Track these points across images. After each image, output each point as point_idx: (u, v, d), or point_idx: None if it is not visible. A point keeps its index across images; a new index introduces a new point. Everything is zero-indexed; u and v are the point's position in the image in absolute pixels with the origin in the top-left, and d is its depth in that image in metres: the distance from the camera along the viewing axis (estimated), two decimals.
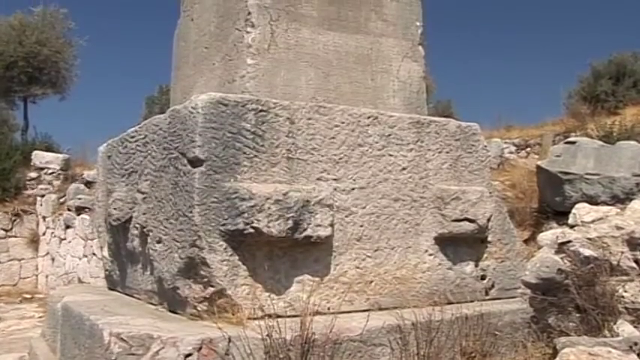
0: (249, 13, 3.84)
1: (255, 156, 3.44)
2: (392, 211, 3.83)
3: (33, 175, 13.90)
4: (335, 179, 3.65)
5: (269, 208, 3.32)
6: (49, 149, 15.10)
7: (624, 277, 3.49)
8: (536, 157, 10.88)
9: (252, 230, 3.29)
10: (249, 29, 3.84)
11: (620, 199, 6.71)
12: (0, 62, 16.97)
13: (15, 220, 13.45)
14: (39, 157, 14.07)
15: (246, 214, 3.28)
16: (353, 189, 3.71)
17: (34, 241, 13.33)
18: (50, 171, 13.83)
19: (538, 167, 7.76)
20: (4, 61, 16.95)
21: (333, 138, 3.67)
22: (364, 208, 3.74)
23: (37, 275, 13.27)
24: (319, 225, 3.48)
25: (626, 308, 3.39)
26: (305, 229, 3.44)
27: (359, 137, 3.75)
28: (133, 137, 4.19)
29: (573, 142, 7.78)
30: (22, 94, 17.98)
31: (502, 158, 10.50)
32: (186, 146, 3.39)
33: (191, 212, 3.32)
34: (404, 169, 3.90)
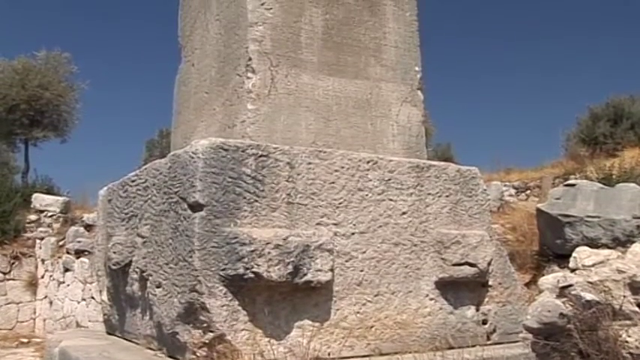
0: (250, 59, 3.89)
1: (256, 201, 3.44)
2: (392, 255, 3.82)
3: (33, 217, 13.87)
4: (335, 224, 3.65)
5: (269, 252, 3.31)
6: (49, 192, 15.11)
7: (627, 322, 3.47)
8: (536, 199, 10.89)
9: (252, 275, 3.28)
10: (249, 75, 3.89)
11: (622, 242, 6.70)
12: (2, 105, 17.10)
13: (14, 263, 13.38)
14: (39, 199, 14.06)
15: (246, 259, 3.27)
16: (353, 233, 3.70)
17: (32, 284, 13.24)
18: (50, 214, 13.81)
19: (538, 210, 7.76)
20: (7, 104, 17.09)
21: (333, 183, 3.68)
22: (364, 252, 3.73)
23: (34, 319, 13.14)
24: (319, 270, 3.47)
25: (630, 354, 3.36)
26: (305, 274, 3.43)
27: (359, 182, 3.77)
28: (133, 181, 4.20)
29: (573, 185, 7.80)
30: (24, 136, 18.09)
31: (502, 201, 10.51)
32: (187, 191, 3.39)
33: (191, 257, 3.31)
34: (404, 213, 3.90)
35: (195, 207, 3.34)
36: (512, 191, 12.27)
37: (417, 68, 4.42)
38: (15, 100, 17.05)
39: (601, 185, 7.87)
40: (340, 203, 3.69)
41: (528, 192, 12.45)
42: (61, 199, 14.28)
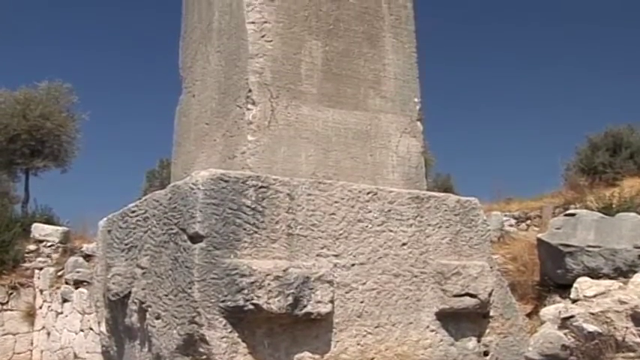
0: (250, 91, 3.92)
1: (256, 232, 3.45)
2: (393, 286, 3.81)
3: (32, 247, 13.86)
4: (335, 255, 3.65)
5: (269, 284, 3.30)
6: (48, 222, 15.12)
7: (631, 354, 3.45)
8: (537, 229, 10.89)
9: (252, 307, 3.27)
10: (249, 106, 3.91)
11: (623, 272, 6.68)
12: (3, 135, 17.20)
13: (12, 294, 13.33)
14: (38, 229, 14.06)
15: (246, 291, 3.27)
16: (353, 265, 3.69)
17: (30, 315, 13.18)
18: (49, 244, 13.80)
19: (539, 240, 7.76)
20: (8, 134, 17.19)
21: (333, 214, 3.69)
22: (365, 284, 3.72)
23: (31, 350, 13.04)
24: (319, 301, 3.46)
25: None
26: (305, 306, 3.41)
27: (359, 213, 3.77)
28: (133, 212, 4.21)
29: (573, 215, 7.81)
30: (24, 166, 18.16)
31: (502, 231, 10.51)
32: (187, 222, 3.40)
33: (190, 288, 3.30)
34: (404, 244, 3.90)
35: (195, 238, 3.34)
36: (513, 221, 12.27)
37: (416, 99, 4.45)
38: (16, 130, 17.15)
39: (601, 215, 7.88)
40: (340, 234, 3.69)
41: (529, 222, 12.45)
42: (60, 229, 14.29)
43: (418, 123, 4.44)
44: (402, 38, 4.46)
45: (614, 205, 9.39)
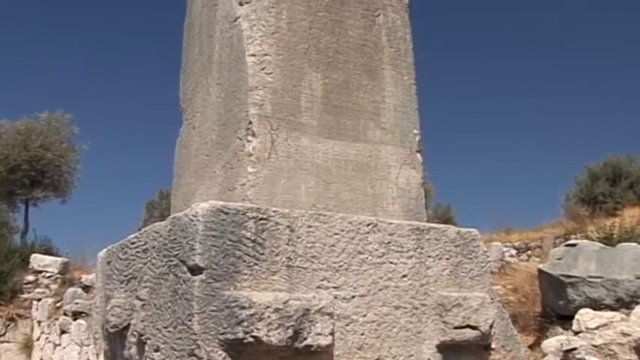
0: (250, 123, 3.94)
1: (256, 264, 3.44)
2: (393, 319, 3.79)
3: (30, 278, 13.80)
4: (335, 287, 3.63)
5: (269, 316, 3.29)
6: (48, 252, 15.08)
7: None
8: (538, 260, 10.86)
9: (251, 339, 3.25)
10: (250, 138, 3.93)
11: (625, 303, 6.64)
12: (4, 165, 17.24)
13: (9, 325, 13.24)
14: (37, 260, 14.01)
15: (245, 323, 3.25)
16: (353, 297, 3.68)
17: (27, 347, 13.06)
18: (48, 274, 13.74)
19: (539, 271, 7.73)
20: (8, 165, 17.23)
21: (333, 246, 3.68)
22: (365, 316, 3.70)
23: None
24: (319, 334, 3.44)
25: None
26: (305, 338, 3.39)
27: (359, 245, 3.77)
28: (133, 243, 4.20)
29: (574, 245, 7.79)
30: (24, 196, 18.17)
31: (503, 262, 10.49)
32: (187, 254, 3.40)
33: (190, 320, 3.29)
34: (404, 276, 3.88)
35: (195, 270, 3.34)
36: (513, 252, 12.25)
37: (415, 131, 4.47)
38: (17, 160, 17.20)
39: (602, 245, 7.86)
40: (340, 266, 3.68)
41: (529, 252, 12.43)
42: (59, 259, 14.24)
43: (418, 154, 4.46)
44: (401, 70, 4.50)
45: (615, 236, 9.38)
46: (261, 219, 3.50)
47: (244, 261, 3.42)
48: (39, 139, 17.35)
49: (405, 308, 3.84)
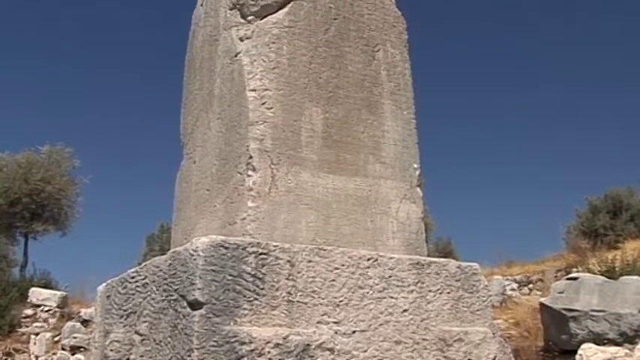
0: (251, 157, 3.96)
1: (256, 299, 3.42)
2: (394, 354, 3.75)
3: (29, 312, 13.69)
4: (335, 322, 3.61)
5: (269, 352, 3.27)
6: (47, 286, 14.98)
7: None
8: (539, 293, 10.81)
9: None
10: (250, 173, 3.94)
11: (629, 337, 6.58)
12: (4, 198, 17.20)
13: None
14: (36, 294, 13.93)
15: (246, 359, 3.23)
16: (354, 332, 3.65)
17: None
18: (47, 308, 13.65)
19: (541, 304, 7.69)
20: (9, 198, 17.20)
21: (334, 280, 3.67)
22: (366, 351, 3.66)
23: None
24: None
25: None
26: None
27: (359, 279, 3.75)
28: (132, 278, 4.19)
29: (575, 278, 7.76)
30: (24, 229, 18.09)
31: (504, 296, 10.43)
32: (187, 289, 3.38)
33: (190, 356, 3.26)
34: (405, 310, 3.86)
35: (195, 305, 3.32)
36: (515, 285, 12.18)
37: (415, 165, 4.48)
38: (17, 193, 17.17)
39: (604, 278, 7.83)
40: (341, 301, 3.66)
41: (531, 286, 12.36)
42: (58, 293, 14.15)
43: (418, 189, 4.47)
44: (401, 105, 4.53)
45: (617, 269, 9.34)
46: (261, 254, 3.50)
47: (244, 296, 3.40)
48: (40, 173, 17.34)
49: (405, 343, 3.81)
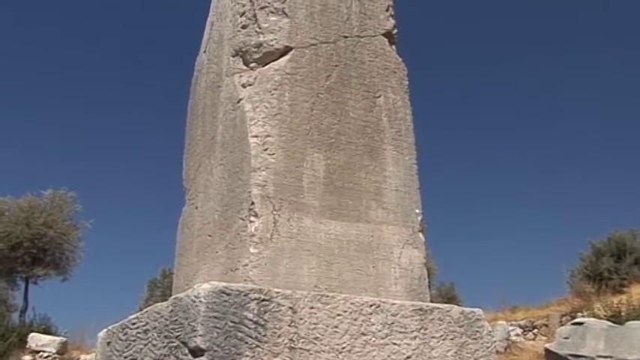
0: (253, 203, 3.97)
1: (258, 346, 3.39)
2: None
3: (28, 358, 13.57)
4: None
5: None
6: (46, 331, 14.87)
7: None
8: (544, 338, 10.68)
9: None
10: (252, 219, 3.95)
11: None
12: (6, 243, 17.20)
13: None
14: (35, 339, 13.82)
15: None
16: None
17: None
18: (46, 354, 13.52)
19: (547, 350, 7.61)
20: (10, 242, 17.20)
21: (336, 327, 3.64)
22: None
23: None
24: None
25: None
26: None
27: (362, 326, 3.72)
28: (133, 324, 4.16)
29: (581, 323, 7.69)
30: (25, 274, 18.05)
31: (509, 341, 10.31)
32: (188, 335, 3.36)
33: None
34: (408, 357, 3.82)
35: (197, 352, 3.30)
36: (519, 330, 12.05)
37: (417, 210, 4.48)
38: (19, 237, 17.18)
39: (610, 323, 7.76)
40: (343, 348, 3.63)
41: (535, 331, 12.22)
42: (57, 339, 14.04)
43: (420, 234, 4.46)
44: (402, 150, 4.56)
45: (622, 313, 9.26)
46: (263, 300, 3.48)
47: (246, 342, 3.37)
48: (42, 217, 17.39)
49: None
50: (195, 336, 3.31)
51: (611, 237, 15.94)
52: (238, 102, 4.31)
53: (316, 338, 3.57)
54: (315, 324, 3.58)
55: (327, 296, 3.70)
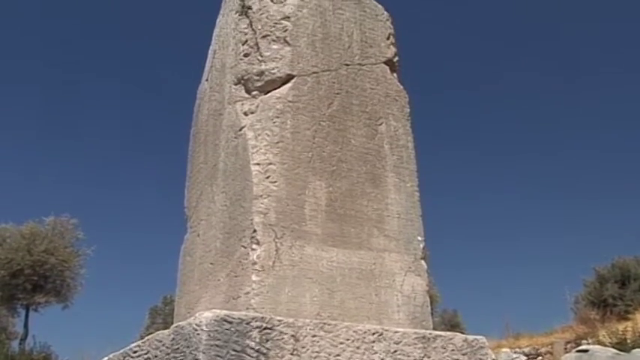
0: (255, 231, 3.96)
1: None
2: None
3: None
4: None
5: None
6: (46, 359, 14.76)
7: None
8: None
9: None
10: (254, 246, 3.94)
11: None
12: (7, 270, 17.15)
13: None
14: None
15: None
16: None
17: None
18: None
19: None
20: (11, 269, 17.15)
21: (339, 355, 3.61)
22: None
23: None
24: None
25: None
26: None
27: (365, 354, 3.69)
28: (135, 352, 4.13)
29: (586, 351, 7.63)
30: (25, 301, 17.95)
31: None
32: None
33: None
34: None
35: None
36: (523, 358, 11.94)
37: (419, 238, 4.47)
38: (20, 264, 17.13)
39: (616, 351, 7.70)
40: None
41: (540, 358, 12.12)
42: None
43: (422, 261, 4.45)
44: (404, 177, 4.56)
45: (628, 341, 9.18)
46: (265, 328, 3.46)
47: None
48: (43, 244, 17.35)
49: None
50: None
51: (615, 263, 15.85)
52: (240, 130, 4.33)
53: None
54: (317, 352, 3.55)
55: (330, 324, 3.67)
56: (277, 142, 4.20)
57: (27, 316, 18.14)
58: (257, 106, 4.34)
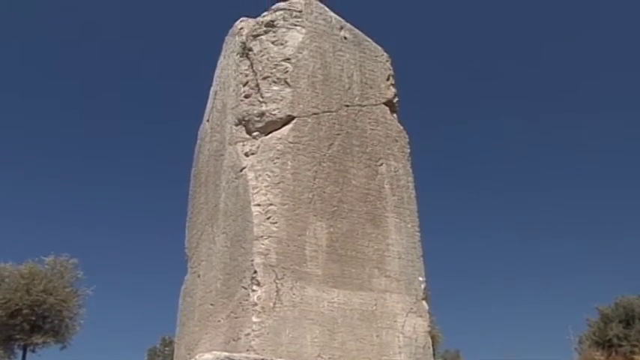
0: (255, 272, 3.94)
1: None
2: None
3: None
4: None
5: None
6: None
7: None
8: None
9: None
10: (254, 287, 3.92)
11: None
12: (4, 310, 16.95)
13: None
14: None
15: None
16: None
17: None
18: None
19: None
20: (9, 309, 16.94)
21: None
22: None
23: None
24: None
25: None
26: None
27: None
28: None
29: None
30: (23, 342, 17.71)
31: None
32: None
33: None
34: None
35: None
36: None
37: (420, 278, 4.45)
38: (18, 304, 16.94)
39: None
40: None
41: None
42: None
43: (424, 302, 4.41)
44: (405, 218, 4.55)
45: None
46: None
47: None
48: (42, 284, 17.16)
49: None
50: None
51: (619, 302, 15.67)
52: (241, 170, 4.34)
53: None
54: None
55: None
56: (278, 183, 4.20)
57: (24, 357, 17.88)
58: (258, 147, 4.35)
